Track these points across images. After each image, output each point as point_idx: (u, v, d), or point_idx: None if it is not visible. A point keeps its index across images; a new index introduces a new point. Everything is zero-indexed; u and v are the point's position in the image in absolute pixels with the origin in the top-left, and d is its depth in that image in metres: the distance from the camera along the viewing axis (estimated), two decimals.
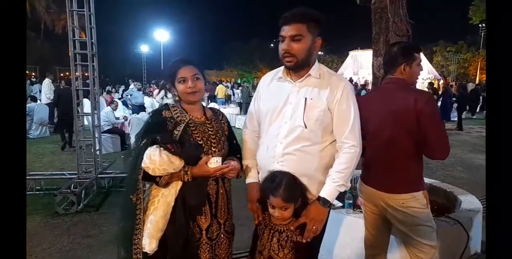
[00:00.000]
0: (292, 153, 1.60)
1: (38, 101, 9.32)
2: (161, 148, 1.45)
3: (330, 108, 1.59)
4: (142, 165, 1.45)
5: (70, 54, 4.22)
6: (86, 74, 4.92)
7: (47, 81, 10.14)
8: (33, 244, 3.06)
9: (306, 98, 1.59)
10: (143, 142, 1.51)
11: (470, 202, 2.83)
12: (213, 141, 1.63)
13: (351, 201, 2.74)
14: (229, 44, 42.13)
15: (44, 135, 8.83)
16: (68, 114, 6.88)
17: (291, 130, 1.60)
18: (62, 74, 22.91)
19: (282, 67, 1.70)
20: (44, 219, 3.66)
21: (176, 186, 1.53)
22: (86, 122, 6.69)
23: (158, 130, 1.54)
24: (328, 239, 2.58)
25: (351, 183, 3.41)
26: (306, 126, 1.58)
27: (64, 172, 4.94)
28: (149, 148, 1.46)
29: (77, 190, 4.02)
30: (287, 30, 1.54)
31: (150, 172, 1.46)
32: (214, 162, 1.53)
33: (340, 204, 2.72)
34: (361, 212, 2.15)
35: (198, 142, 1.58)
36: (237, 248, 2.78)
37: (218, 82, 20.01)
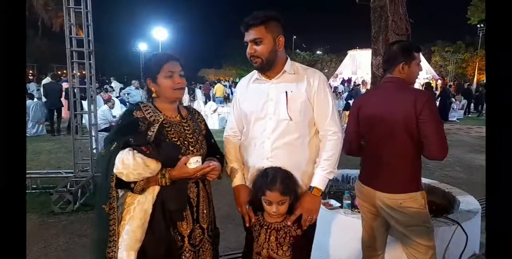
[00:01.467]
0: (281, 147, 1.62)
1: (35, 99, 9.30)
2: (135, 151, 1.33)
3: (310, 99, 1.65)
4: (114, 170, 1.33)
5: (66, 52, 4.19)
6: (84, 72, 4.89)
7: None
8: (29, 243, 3.03)
9: (286, 92, 1.64)
10: (114, 145, 1.38)
11: (469, 202, 2.82)
12: (190, 140, 1.53)
13: (349, 201, 2.73)
14: (228, 43, 42.02)
15: (40, 133, 8.81)
16: (54, 104, 8.76)
17: (277, 124, 1.63)
18: (59, 72, 22.82)
19: (256, 71, 1.74)
20: (40, 218, 3.64)
21: (153, 191, 1.42)
22: (83, 121, 6.66)
23: (130, 132, 1.41)
24: (326, 239, 2.57)
25: (349, 183, 3.44)
26: (291, 119, 1.62)
27: (61, 171, 4.91)
28: (121, 152, 1.34)
29: (73, 188, 4.00)
30: (247, 35, 1.61)
31: (124, 178, 1.33)
32: (194, 162, 1.43)
33: (338, 204, 2.71)
34: (359, 212, 2.13)
35: (175, 142, 1.48)
36: (234, 248, 2.78)
37: (216, 81, 20.00)
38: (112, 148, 1.38)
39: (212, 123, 10.04)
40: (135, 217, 1.39)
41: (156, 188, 1.42)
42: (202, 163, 1.46)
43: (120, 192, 1.44)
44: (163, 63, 1.50)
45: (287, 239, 1.57)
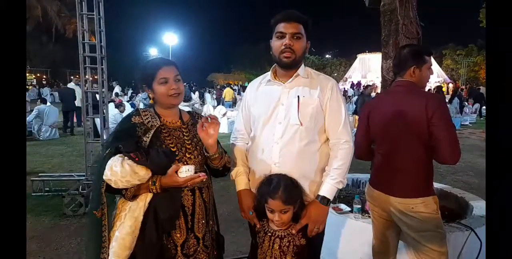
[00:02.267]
0: (289, 153, 1.58)
1: (48, 103, 9.49)
2: (125, 158, 1.31)
3: (322, 106, 1.62)
4: (104, 177, 1.32)
5: (79, 57, 4.28)
6: (96, 77, 4.98)
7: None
8: (41, 245, 3.09)
9: (298, 97, 1.60)
10: (107, 151, 1.37)
11: (482, 208, 2.76)
12: (188, 147, 1.49)
13: (359, 206, 2.70)
14: (237, 48, 42.40)
15: (54, 137, 8.98)
16: (69, 107, 9.65)
17: (286, 129, 1.59)
18: (72, 77, 23.29)
19: (268, 73, 1.73)
20: (53, 220, 3.70)
21: (146, 198, 1.39)
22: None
23: (126, 138, 1.39)
24: (336, 244, 2.55)
25: (359, 187, 3.41)
26: (301, 124, 1.58)
27: (73, 174, 5.00)
28: (112, 158, 1.33)
29: (85, 191, 4.06)
30: (288, 27, 1.54)
31: (113, 185, 1.31)
32: (185, 171, 1.36)
33: (348, 209, 2.68)
34: (370, 217, 2.11)
35: (171, 148, 1.44)
36: (245, 252, 2.77)
37: (225, 85, 20.12)
38: (105, 154, 1.37)
39: (222, 127, 10.07)
40: (124, 224, 1.37)
41: (149, 195, 1.39)
42: (196, 172, 1.40)
43: (117, 198, 1.44)
44: (157, 69, 1.46)
45: (291, 248, 1.53)
